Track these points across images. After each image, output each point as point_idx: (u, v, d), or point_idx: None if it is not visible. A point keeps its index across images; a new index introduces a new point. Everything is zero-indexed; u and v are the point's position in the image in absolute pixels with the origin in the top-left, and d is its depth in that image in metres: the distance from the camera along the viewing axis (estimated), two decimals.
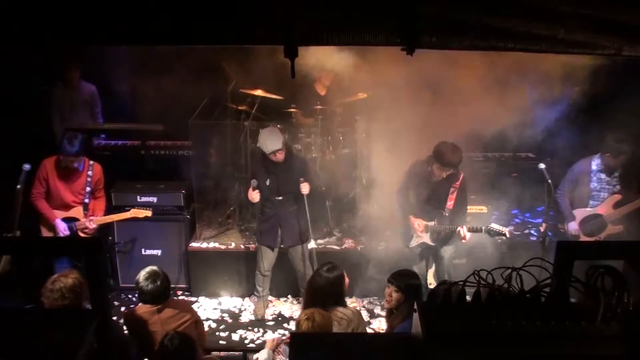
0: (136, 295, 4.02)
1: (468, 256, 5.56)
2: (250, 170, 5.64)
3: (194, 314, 4.16)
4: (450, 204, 5.06)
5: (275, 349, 3.82)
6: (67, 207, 5.27)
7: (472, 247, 5.36)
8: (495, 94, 5.29)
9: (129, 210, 5.48)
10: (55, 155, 5.13)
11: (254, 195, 5.22)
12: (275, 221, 5.39)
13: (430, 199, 5.09)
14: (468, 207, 5.33)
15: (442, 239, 5.18)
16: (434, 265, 5.42)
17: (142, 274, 3.89)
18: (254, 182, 5.22)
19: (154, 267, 3.95)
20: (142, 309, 3.89)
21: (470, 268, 1.80)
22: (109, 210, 5.57)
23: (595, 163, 5.31)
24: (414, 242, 5.24)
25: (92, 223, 5.28)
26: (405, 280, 3.83)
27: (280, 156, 5.12)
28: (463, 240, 5.00)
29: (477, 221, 5.21)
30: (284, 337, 4.31)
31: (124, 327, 4.10)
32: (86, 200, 5.30)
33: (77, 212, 5.30)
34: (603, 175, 5.28)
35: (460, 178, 5.05)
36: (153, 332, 3.83)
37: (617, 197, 5.22)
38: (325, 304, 3.81)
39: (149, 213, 5.51)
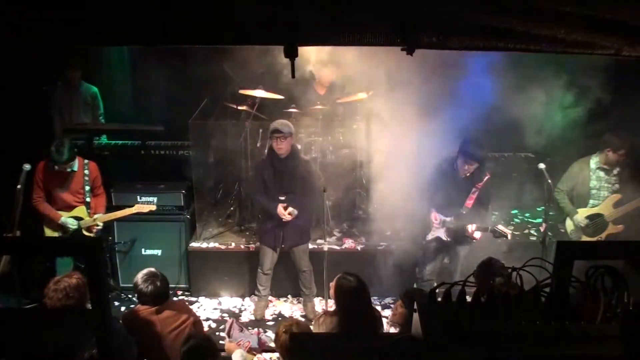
0: (136, 295, 4.02)
1: (468, 256, 5.55)
2: (256, 169, 5.63)
3: (192, 314, 4.16)
4: (469, 202, 5.07)
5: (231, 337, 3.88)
6: (69, 207, 5.29)
7: (471, 247, 5.36)
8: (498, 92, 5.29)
9: (132, 206, 5.51)
10: (47, 159, 5.12)
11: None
12: (278, 221, 5.39)
13: (451, 196, 5.10)
14: None
15: (457, 237, 5.17)
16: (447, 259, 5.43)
17: (140, 277, 3.88)
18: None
19: (151, 269, 3.95)
20: (142, 310, 3.89)
21: (470, 268, 1.79)
22: (110, 210, 5.58)
23: (594, 161, 5.33)
24: (430, 236, 5.28)
25: (97, 221, 5.31)
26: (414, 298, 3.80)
27: (281, 143, 5.10)
28: (474, 239, 5.01)
29: (478, 220, 5.21)
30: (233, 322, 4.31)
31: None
32: (87, 199, 5.32)
33: (80, 211, 5.31)
34: (602, 174, 5.29)
35: (485, 180, 5.05)
36: (152, 333, 3.83)
37: (617, 196, 5.23)
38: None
39: (153, 207, 5.55)
